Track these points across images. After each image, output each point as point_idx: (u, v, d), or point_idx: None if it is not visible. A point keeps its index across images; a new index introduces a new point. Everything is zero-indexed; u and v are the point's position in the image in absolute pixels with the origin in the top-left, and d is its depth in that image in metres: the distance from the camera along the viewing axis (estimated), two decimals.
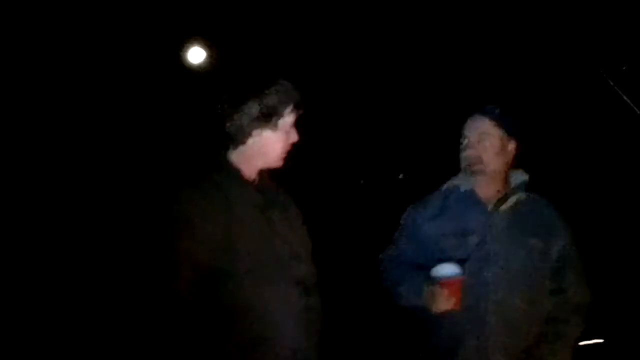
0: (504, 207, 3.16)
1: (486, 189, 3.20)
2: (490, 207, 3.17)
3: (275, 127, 2.63)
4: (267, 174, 2.73)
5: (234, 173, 2.64)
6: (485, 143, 3.15)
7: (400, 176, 6.64)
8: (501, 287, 3.06)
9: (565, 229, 3.19)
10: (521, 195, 3.21)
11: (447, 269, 3.00)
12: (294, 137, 2.68)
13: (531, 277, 3.10)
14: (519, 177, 3.25)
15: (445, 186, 3.30)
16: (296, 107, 2.66)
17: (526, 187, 3.25)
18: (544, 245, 3.13)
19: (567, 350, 3.09)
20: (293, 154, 2.72)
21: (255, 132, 2.63)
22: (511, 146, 3.21)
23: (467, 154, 3.19)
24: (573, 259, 3.17)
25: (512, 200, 3.18)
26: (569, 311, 3.10)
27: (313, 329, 2.66)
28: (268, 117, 2.61)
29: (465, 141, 3.20)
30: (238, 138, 2.64)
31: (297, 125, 2.70)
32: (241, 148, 2.66)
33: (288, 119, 2.65)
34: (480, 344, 3.05)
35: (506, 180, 3.23)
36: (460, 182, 3.25)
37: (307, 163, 4.69)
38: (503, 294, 3.05)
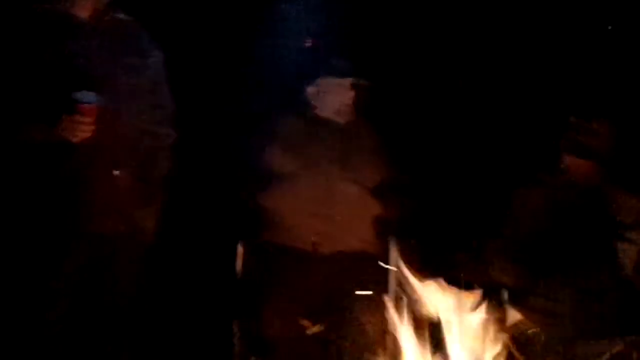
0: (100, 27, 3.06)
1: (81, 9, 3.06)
2: (88, 28, 3.05)
3: None
4: None
5: None
6: None
7: None
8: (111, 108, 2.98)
9: (159, 49, 3.24)
10: (116, 15, 3.13)
11: (85, 95, 2.86)
12: None
13: (133, 96, 3.09)
14: None
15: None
16: None
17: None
18: (141, 64, 3.15)
19: (167, 155, 3.23)
20: None
21: None
22: None
23: None
24: (163, 76, 3.25)
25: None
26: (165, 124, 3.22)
27: None
28: None
29: None
30: None
31: None
32: None
33: None
34: None
35: None
36: None
37: None
38: (112, 115, 2.98)
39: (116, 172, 3.01)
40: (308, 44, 3.91)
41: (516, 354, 3.54)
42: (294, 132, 3.80)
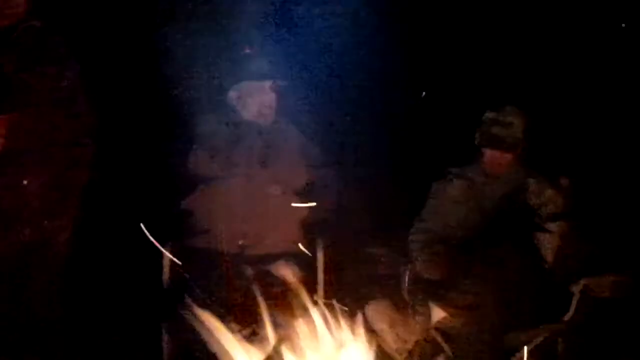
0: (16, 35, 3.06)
1: None
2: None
3: None
4: None
5: None
6: None
7: None
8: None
9: (76, 57, 3.22)
10: (32, 24, 3.12)
11: None
12: None
13: (50, 106, 3.07)
14: None
15: None
16: None
17: None
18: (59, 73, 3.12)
19: (86, 164, 3.21)
20: None
21: None
22: None
23: None
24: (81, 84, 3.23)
25: None
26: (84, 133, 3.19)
27: None
28: None
29: None
30: None
31: None
32: None
33: None
34: None
35: None
36: None
37: None
38: (27, 125, 2.98)
39: (25, 182, 2.96)
40: (247, 50, 3.90)
41: (445, 347, 3.59)
42: (217, 136, 3.82)
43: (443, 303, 3.46)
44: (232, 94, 3.87)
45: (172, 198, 3.74)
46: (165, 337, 3.62)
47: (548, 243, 3.63)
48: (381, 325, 3.45)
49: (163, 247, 3.67)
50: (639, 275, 3.95)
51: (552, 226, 3.67)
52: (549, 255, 3.62)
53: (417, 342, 3.67)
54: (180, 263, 3.60)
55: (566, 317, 3.51)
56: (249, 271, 3.61)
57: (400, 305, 3.50)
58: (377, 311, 3.47)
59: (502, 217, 3.67)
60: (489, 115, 3.76)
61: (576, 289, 3.53)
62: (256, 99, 3.82)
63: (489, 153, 3.76)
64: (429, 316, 3.47)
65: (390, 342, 3.44)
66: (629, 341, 3.95)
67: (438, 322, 3.49)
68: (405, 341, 3.44)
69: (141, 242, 3.94)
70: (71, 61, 3.21)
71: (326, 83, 4.14)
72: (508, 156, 3.74)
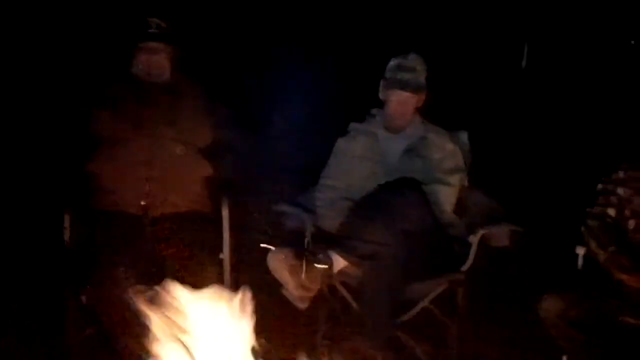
0: None
1: None
2: None
3: None
4: None
5: None
6: None
7: None
8: None
9: None
10: None
11: None
12: None
13: None
14: None
15: None
16: None
17: None
18: None
19: None
20: None
21: None
22: None
23: None
24: None
25: None
26: None
27: None
28: None
29: None
30: None
31: None
32: None
33: None
34: None
35: None
36: None
37: None
38: None
39: None
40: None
41: (352, 301, 3.63)
42: (121, 96, 3.78)
43: (345, 252, 3.48)
44: (134, 54, 3.86)
45: (75, 160, 3.68)
46: (68, 300, 3.58)
47: (448, 196, 3.70)
48: (283, 273, 3.45)
49: (65, 209, 3.63)
50: (535, 225, 4.07)
51: (452, 179, 3.73)
52: (447, 207, 3.69)
53: (323, 298, 3.70)
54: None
55: (464, 267, 3.59)
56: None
57: (302, 254, 3.49)
58: (278, 259, 3.46)
59: (405, 171, 3.72)
60: (393, 62, 3.79)
61: (474, 239, 3.61)
62: (142, 58, 3.80)
63: (393, 101, 3.78)
64: (331, 265, 3.48)
65: (292, 290, 3.44)
66: (526, 290, 4.08)
67: (340, 271, 3.51)
68: (308, 289, 3.44)
69: (42, 206, 3.90)
70: None
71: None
72: (412, 101, 3.76)
